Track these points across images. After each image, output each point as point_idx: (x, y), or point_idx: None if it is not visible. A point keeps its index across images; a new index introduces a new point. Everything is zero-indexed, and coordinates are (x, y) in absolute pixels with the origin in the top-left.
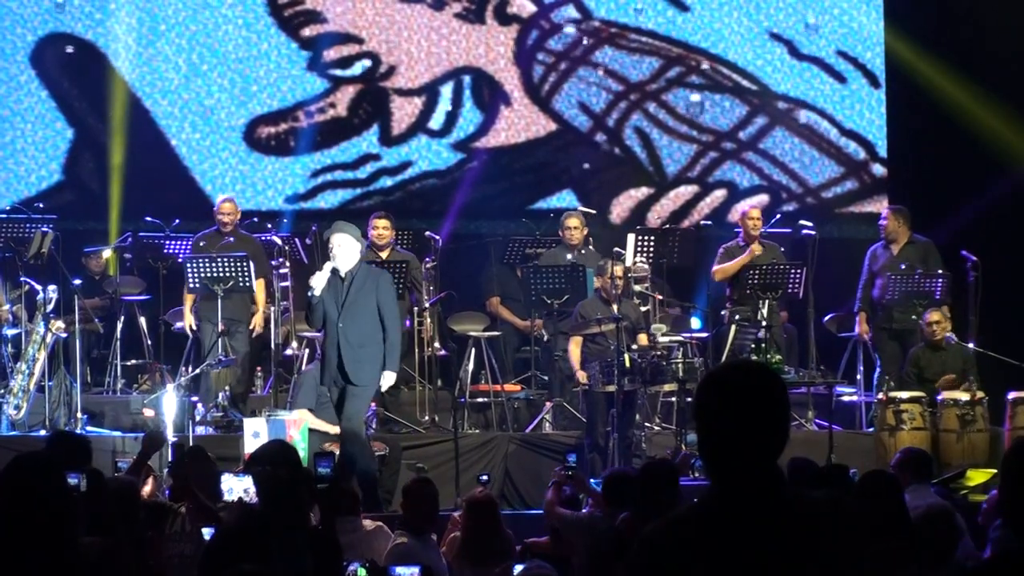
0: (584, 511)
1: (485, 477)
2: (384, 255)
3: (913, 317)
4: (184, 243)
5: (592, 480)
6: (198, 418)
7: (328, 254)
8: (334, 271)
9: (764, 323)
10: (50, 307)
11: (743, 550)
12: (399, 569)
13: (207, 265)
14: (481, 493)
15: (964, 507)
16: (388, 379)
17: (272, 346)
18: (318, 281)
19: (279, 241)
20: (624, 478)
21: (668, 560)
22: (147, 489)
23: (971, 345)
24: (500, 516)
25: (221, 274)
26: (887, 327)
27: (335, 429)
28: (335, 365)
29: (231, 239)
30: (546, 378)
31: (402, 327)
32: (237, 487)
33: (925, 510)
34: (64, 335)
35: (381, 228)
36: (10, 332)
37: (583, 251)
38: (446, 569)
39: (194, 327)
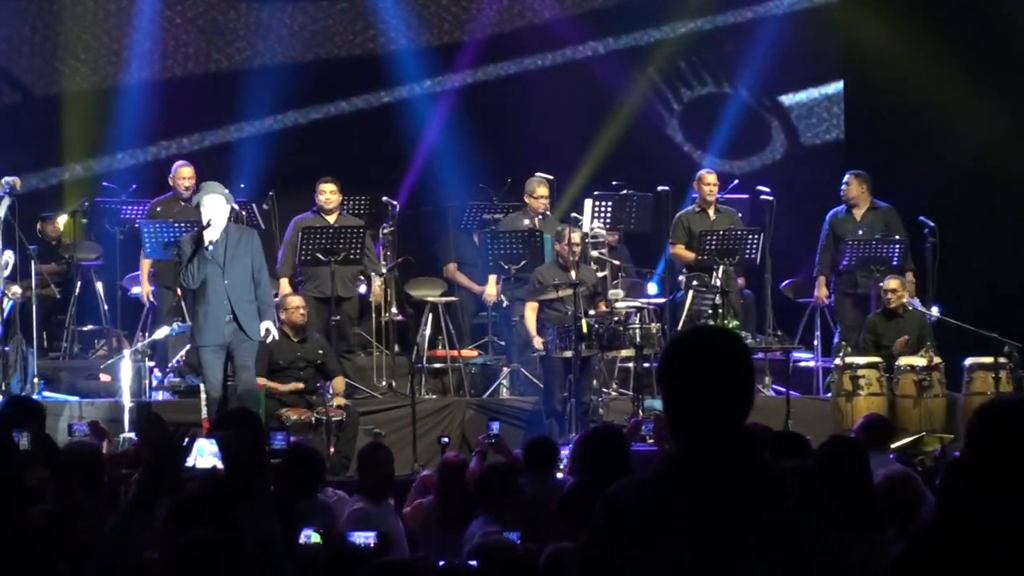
0: None
1: (446, 439)
2: (332, 219)
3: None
4: (141, 208)
5: None
6: (155, 383)
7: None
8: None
9: (720, 288)
10: (6, 272)
11: (707, 514)
12: (356, 535)
13: (163, 230)
14: (454, 456)
15: (922, 472)
16: (273, 328)
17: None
18: (213, 234)
19: (235, 207)
20: (544, 443)
21: (630, 519)
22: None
23: (935, 310)
24: None
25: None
26: (851, 292)
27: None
28: (225, 321)
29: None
30: (503, 343)
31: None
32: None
33: (886, 476)
34: (20, 300)
35: (328, 192)
36: None
37: (544, 217)
38: (403, 534)
39: (151, 296)
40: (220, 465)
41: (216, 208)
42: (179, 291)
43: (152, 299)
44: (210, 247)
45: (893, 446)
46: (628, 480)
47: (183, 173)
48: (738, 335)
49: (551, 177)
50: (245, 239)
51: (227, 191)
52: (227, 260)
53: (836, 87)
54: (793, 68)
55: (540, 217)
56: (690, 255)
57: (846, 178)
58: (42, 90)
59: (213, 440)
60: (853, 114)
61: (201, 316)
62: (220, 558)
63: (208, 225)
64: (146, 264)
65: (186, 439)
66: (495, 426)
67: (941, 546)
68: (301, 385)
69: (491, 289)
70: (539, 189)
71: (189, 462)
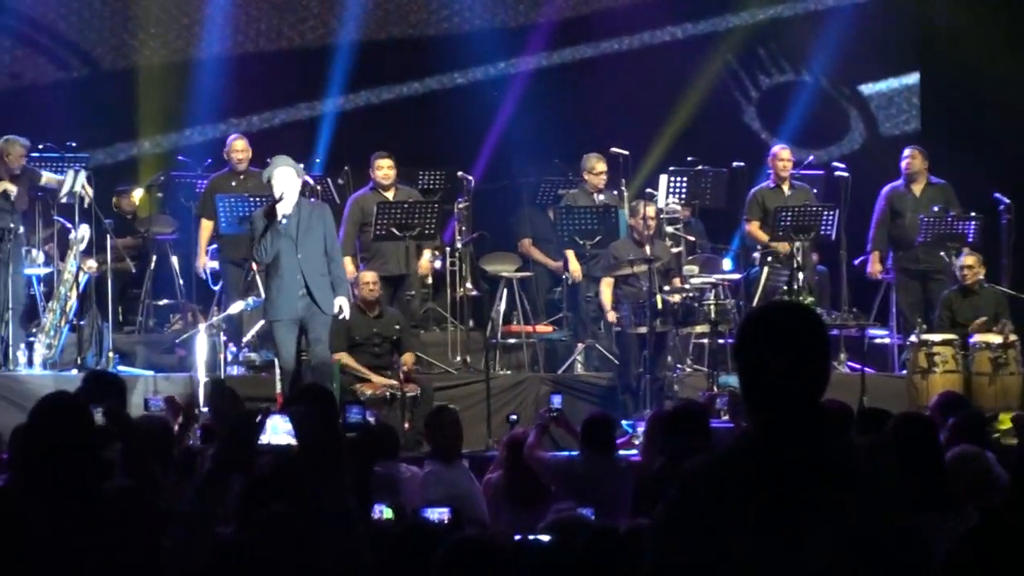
0: (565, 454)
1: (515, 417)
2: (390, 195)
3: (946, 260)
4: None
5: (624, 421)
6: (230, 358)
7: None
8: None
9: (796, 265)
10: (82, 246)
11: (779, 491)
12: (429, 511)
13: (238, 204)
14: (522, 432)
15: (997, 451)
16: (347, 304)
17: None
18: (285, 208)
19: (311, 181)
20: (603, 422)
21: (705, 497)
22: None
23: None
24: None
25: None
26: (911, 268)
27: (366, 371)
28: (299, 296)
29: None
30: (570, 314)
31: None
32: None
33: (956, 454)
34: (96, 274)
35: (386, 168)
36: (42, 271)
37: (604, 194)
38: (479, 494)
39: (207, 269)
40: (294, 441)
41: (287, 181)
42: (254, 265)
43: (206, 271)
44: (283, 221)
45: None
46: (703, 457)
47: (236, 146)
48: (814, 311)
49: (626, 152)
50: (317, 213)
51: (299, 165)
52: (300, 234)
53: (914, 77)
54: (871, 56)
55: (599, 194)
56: (764, 236)
57: (909, 151)
58: (111, 64)
59: (286, 416)
60: (930, 104)
61: (274, 291)
62: (294, 534)
63: (280, 199)
64: (204, 238)
65: (259, 416)
66: (557, 400)
67: (1016, 524)
68: (387, 382)
69: (574, 266)
70: (597, 165)
71: (263, 439)
